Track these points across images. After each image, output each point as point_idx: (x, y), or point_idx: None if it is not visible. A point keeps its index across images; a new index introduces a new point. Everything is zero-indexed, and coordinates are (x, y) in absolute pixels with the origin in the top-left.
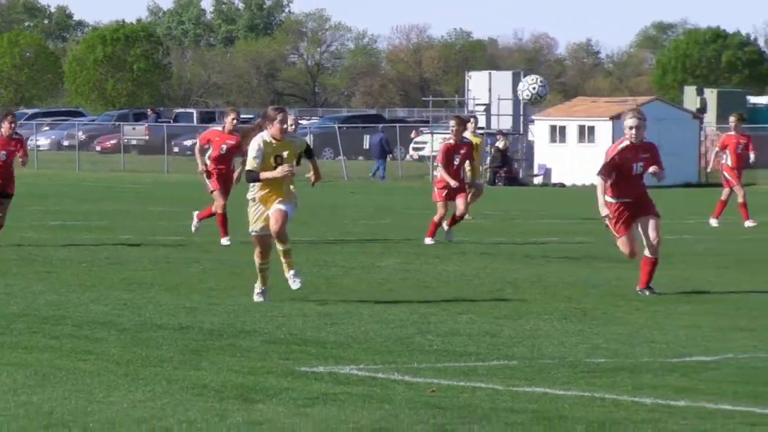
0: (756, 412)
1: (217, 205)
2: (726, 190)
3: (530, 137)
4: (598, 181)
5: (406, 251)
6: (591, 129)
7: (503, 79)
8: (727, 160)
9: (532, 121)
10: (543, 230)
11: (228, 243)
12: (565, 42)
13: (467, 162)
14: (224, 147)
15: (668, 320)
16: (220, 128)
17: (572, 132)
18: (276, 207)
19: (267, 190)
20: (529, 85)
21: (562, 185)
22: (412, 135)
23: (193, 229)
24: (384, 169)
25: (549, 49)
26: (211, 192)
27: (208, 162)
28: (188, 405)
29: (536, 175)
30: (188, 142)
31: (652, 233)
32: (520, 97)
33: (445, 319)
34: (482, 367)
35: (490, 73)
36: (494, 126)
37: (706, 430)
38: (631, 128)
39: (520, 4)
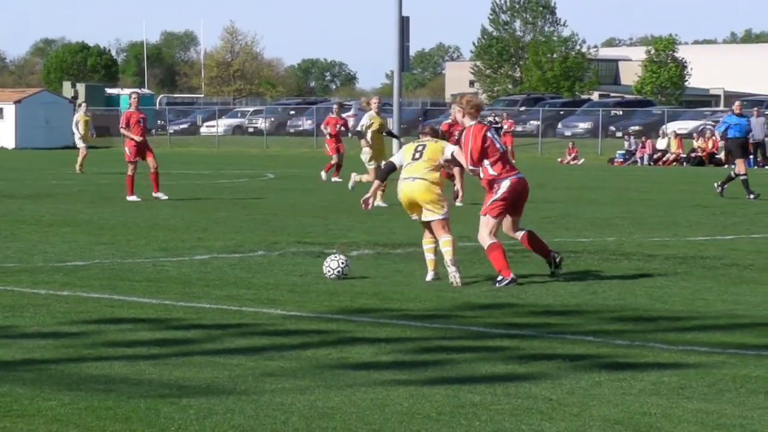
0: (115, 298)
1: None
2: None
3: None
4: None
5: None
6: (1, 110)
7: None
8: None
9: None
10: None
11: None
12: None
13: None
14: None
15: (56, 237)
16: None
17: None
18: None
19: None
20: (337, 265)
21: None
22: None
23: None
24: None
25: None
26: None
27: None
28: None
29: None
30: None
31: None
32: (329, 275)
33: None
34: None
35: None
36: None
37: (81, 311)
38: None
39: None
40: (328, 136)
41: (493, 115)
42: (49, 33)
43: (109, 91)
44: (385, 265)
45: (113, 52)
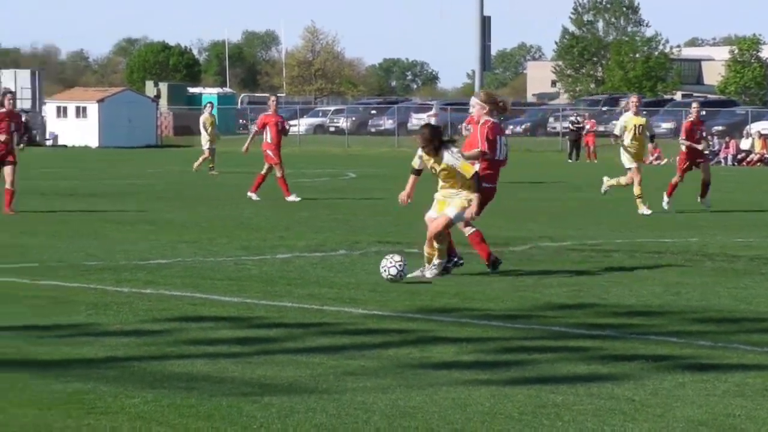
0: (197, 296)
1: None
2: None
3: (43, 113)
4: None
5: None
6: (84, 109)
7: (24, 74)
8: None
9: (45, 102)
10: (51, 175)
11: None
12: (65, 51)
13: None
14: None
15: (139, 236)
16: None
17: (72, 111)
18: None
19: None
20: (394, 263)
21: (65, 146)
22: None
23: None
24: None
25: (55, 55)
26: None
27: None
28: None
29: (48, 140)
30: None
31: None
32: (385, 276)
33: None
34: (14, 268)
35: (15, 71)
36: (19, 106)
37: (163, 309)
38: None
39: (32, 23)
40: None
41: (575, 114)
42: (132, 32)
43: (191, 90)
44: (466, 265)
45: (195, 52)
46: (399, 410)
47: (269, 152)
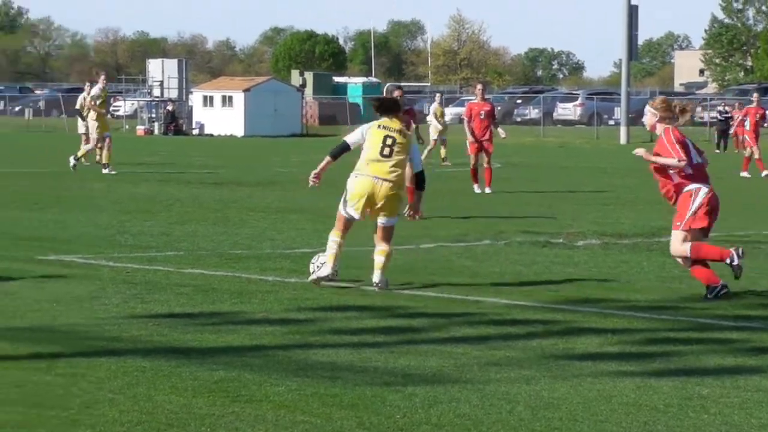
0: (341, 285)
1: None
2: (749, 149)
3: (190, 103)
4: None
5: (110, 179)
6: (230, 98)
7: (171, 64)
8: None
9: (192, 92)
10: (197, 164)
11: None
12: (212, 40)
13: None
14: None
15: (283, 225)
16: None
17: (218, 100)
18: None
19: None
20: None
21: (211, 135)
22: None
23: None
24: None
25: (202, 44)
26: None
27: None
28: None
29: (194, 129)
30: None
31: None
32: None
33: (135, 224)
34: (160, 256)
35: (162, 60)
36: (166, 95)
37: (307, 298)
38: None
39: (179, 13)
40: (747, 127)
41: (723, 104)
42: (278, 22)
43: (337, 79)
44: (611, 255)
45: (341, 41)
46: (543, 401)
47: (467, 143)
